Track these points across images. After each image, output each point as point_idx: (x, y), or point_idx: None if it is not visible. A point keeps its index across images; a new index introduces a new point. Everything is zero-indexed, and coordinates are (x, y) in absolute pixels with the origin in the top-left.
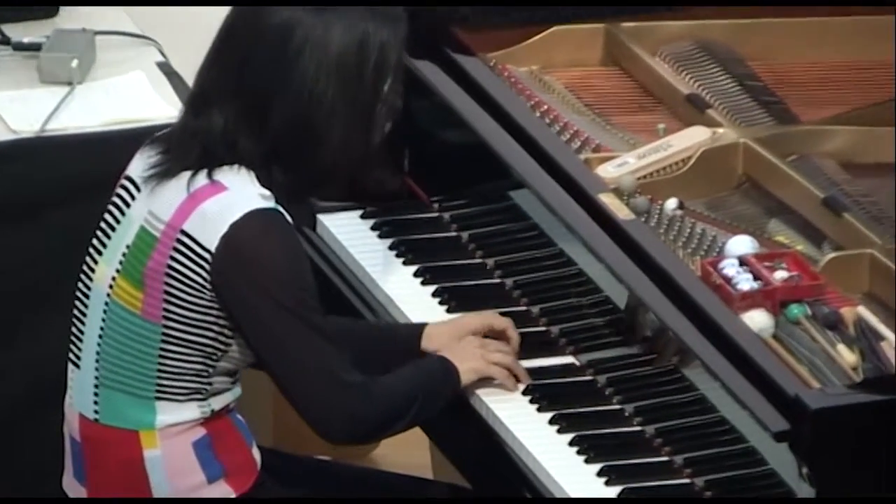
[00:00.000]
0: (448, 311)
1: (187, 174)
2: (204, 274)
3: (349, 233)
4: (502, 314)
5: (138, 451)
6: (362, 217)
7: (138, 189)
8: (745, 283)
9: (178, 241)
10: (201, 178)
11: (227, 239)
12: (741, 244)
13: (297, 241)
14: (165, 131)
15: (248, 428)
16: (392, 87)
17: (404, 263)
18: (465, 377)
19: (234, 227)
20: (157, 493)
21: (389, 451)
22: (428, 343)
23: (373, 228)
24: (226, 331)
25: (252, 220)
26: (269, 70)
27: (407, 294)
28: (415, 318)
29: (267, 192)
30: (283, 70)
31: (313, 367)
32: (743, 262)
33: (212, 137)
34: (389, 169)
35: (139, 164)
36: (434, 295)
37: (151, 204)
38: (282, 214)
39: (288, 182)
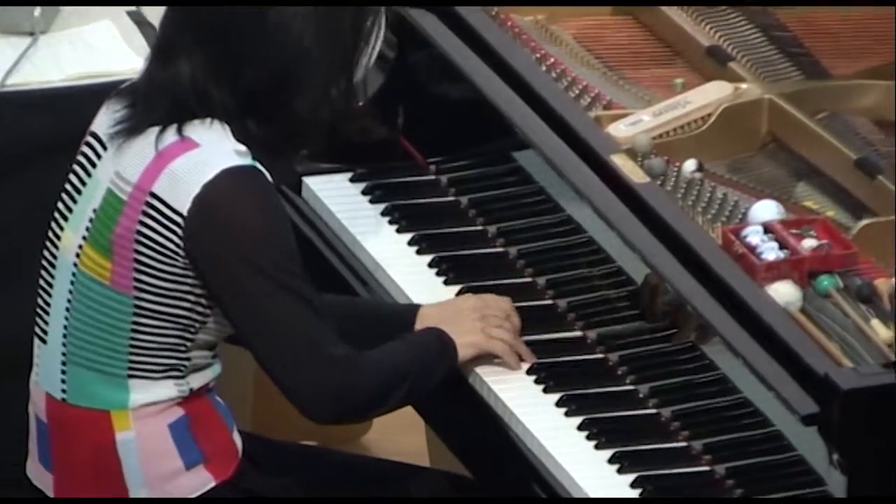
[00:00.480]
0: (446, 282)
1: (155, 130)
2: (176, 239)
3: (337, 197)
4: (505, 286)
5: (110, 434)
6: (352, 180)
7: (104, 147)
8: (771, 252)
9: (148, 204)
10: (170, 135)
11: (199, 200)
12: (766, 210)
13: (278, 200)
14: (131, 82)
15: (228, 410)
16: (374, 26)
17: (398, 231)
18: (464, 352)
19: (207, 187)
20: (131, 479)
21: (381, 436)
22: (422, 325)
23: (364, 192)
24: (202, 301)
25: (227, 179)
26: (241, 14)
27: (401, 264)
28: (409, 290)
29: (243, 148)
30: (256, 13)
31: (296, 338)
32: (768, 229)
33: (180, 89)
34: (377, 118)
35: (104, 120)
36: (430, 265)
37: (118, 164)
38: (260, 172)
39: (265, 135)
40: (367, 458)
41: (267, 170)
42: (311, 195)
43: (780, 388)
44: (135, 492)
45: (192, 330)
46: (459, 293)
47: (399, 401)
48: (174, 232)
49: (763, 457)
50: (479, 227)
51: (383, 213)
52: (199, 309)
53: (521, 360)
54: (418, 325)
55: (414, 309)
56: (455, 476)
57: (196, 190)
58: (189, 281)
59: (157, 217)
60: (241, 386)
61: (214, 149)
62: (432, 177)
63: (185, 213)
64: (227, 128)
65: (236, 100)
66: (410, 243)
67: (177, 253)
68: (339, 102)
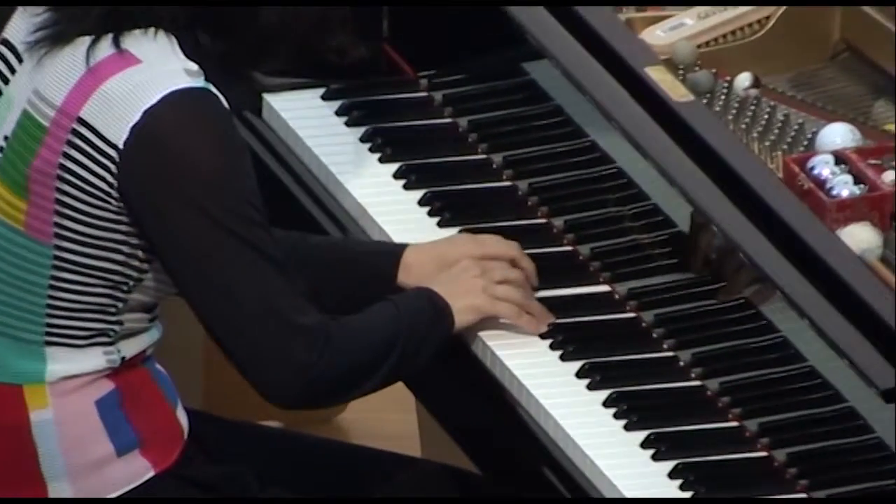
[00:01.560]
0: (440, 224)
1: (86, 41)
2: (108, 178)
3: (306, 119)
4: (514, 229)
5: (22, 413)
6: (325, 98)
7: (20, 59)
8: (843, 187)
9: (74, 132)
10: (105, 48)
11: (139, 130)
12: (838, 135)
13: (235, 132)
14: None
15: (171, 383)
16: None
17: (381, 160)
18: (462, 318)
19: (150, 114)
20: (48, 468)
21: (360, 416)
22: (406, 276)
23: (339, 113)
24: (138, 253)
25: (173, 105)
26: None
27: (384, 202)
28: (394, 233)
29: (193, 67)
30: None
31: (254, 302)
32: (840, 158)
33: None
34: (357, 33)
35: (21, 25)
36: (421, 203)
37: (38, 81)
38: (214, 96)
39: (220, 51)
40: (342, 443)
41: (222, 94)
42: (274, 116)
43: (854, 356)
44: (54, 483)
45: (125, 288)
46: None
47: (381, 381)
48: (106, 168)
49: (832, 440)
50: (482, 156)
51: (363, 139)
52: (134, 263)
53: (535, 320)
54: (402, 276)
55: (396, 253)
56: (452, 468)
57: (135, 117)
58: (122, 229)
59: (86, 149)
60: (188, 354)
61: (159, 67)
62: (423, 94)
63: (120, 145)
64: (175, 41)
65: (186, 8)
66: (396, 176)
67: (109, 194)
68: (311, 12)
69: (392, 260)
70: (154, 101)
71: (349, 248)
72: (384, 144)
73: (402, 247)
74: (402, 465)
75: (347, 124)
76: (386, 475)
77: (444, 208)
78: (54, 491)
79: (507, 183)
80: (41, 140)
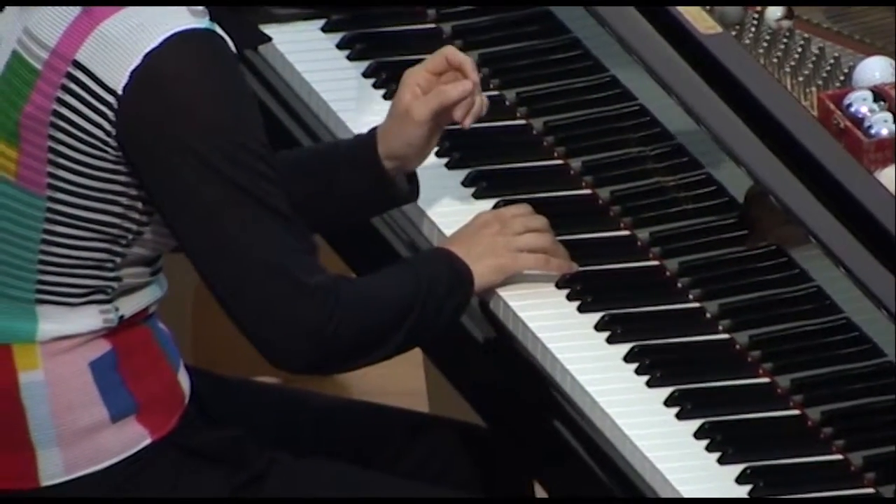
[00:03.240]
0: (448, 165)
1: None
2: (106, 125)
3: (305, 52)
4: (529, 171)
5: (11, 374)
6: (325, 29)
7: None
8: (882, 125)
9: (70, 77)
10: None
11: (140, 74)
12: (877, 69)
13: (242, 77)
14: None
15: (174, 343)
16: None
17: (385, 97)
18: (483, 280)
19: (151, 57)
20: (37, 434)
21: (365, 371)
22: (386, 145)
23: (340, 46)
24: (138, 205)
25: (176, 47)
26: None
27: None
28: None
29: (198, 7)
30: None
31: (258, 260)
32: (879, 95)
33: None
34: None
35: None
36: None
37: (28, 19)
38: (220, 39)
39: None
40: (345, 401)
41: (228, 35)
42: (270, 49)
43: (894, 308)
44: (43, 450)
45: (123, 242)
46: (467, 180)
47: (396, 347)
48: (104, 115)
49: (870, 397)
50: (495, 92)
51: (367, 75)
52: (133, 216)
53: (566, 263)
54: (381, 147)
55: (369, 134)
56: (462, 424)
57: (135, 60)
58: (121, 179)
59: (83, 94)
60: (176, 308)
61: (161, 6)
62: (431, 25)
63: (119, 90)
64: None
65: None
66: None
67: (106, 143)
68: None
69: (369, 141)
70: (156, 43)
71: (327, 155)
72: (389, 80)
73: (373, 129)
74: (409, 422)
75: (350, 58)
76: (393, 432)
77: (452, 148)
78: (43, 458)
79: (521, 121)
80: (33, 84)
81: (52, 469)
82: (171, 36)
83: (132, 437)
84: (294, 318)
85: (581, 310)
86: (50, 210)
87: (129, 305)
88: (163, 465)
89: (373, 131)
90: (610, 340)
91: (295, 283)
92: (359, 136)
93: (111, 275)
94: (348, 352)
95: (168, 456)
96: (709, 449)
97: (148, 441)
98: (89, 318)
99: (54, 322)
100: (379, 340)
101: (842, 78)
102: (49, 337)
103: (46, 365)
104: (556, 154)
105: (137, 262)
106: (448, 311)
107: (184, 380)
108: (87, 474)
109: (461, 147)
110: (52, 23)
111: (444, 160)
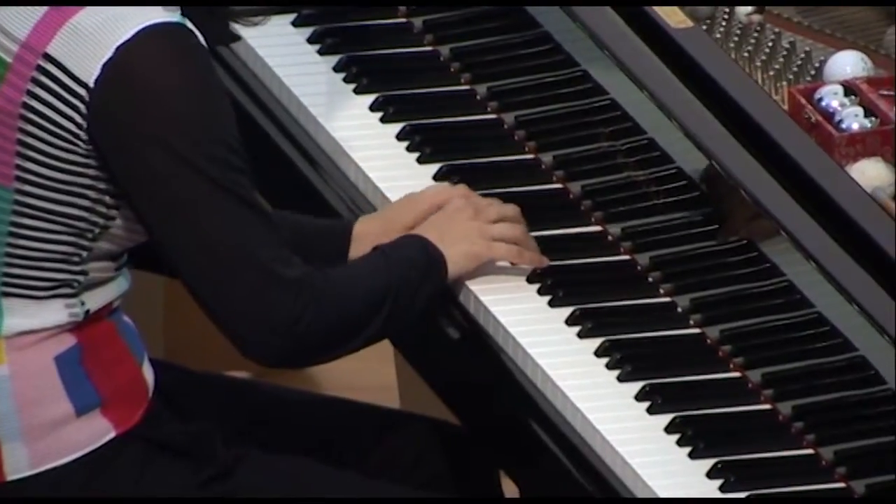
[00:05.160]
0: (419, 160)
1: None
2: (77, 118)
3: (276, 46)
4: (500, 165)
5: None
6: (295, 24)
7: None
8: (853, 119)
9: (40, 69)
10: None
11: (111, 68)
12: (847, 63)
13: (213, 71)
14: None
15: (138, 336)
16: None
17: (356, 91)
18: (456, 266)
19: (123, 50)
20: (2, 427)
21: (336, 366)
22: (357, 249)
23: (311, 41)
24: (105, 199)
25: (148, 41)
26: None
27: (360, 136)
28: (372, 170)
29: (173, 6)
30: None
31: (232, 252)
32: (850, 89)
33: None
34: None
35: None
36: (400, 137)
37: None
38: (191, 33)
39: None
40: (315, 396)
41: (199, 30)
42: (241, 45)
43: (865, 302)
44: (7, 444)
45: (90, 236)
46: (438, 174)
47: (370, 337)
48: (75, 108)
49: (841, 392)
50: (465, 87)
51: (337, 69)
52: (101, 209)
53: (538, 256)
54: (353, 251)
55: (346, 228)
56: (432, 419)
57: (107, 54)
58: (90, 173)
59: (53, 87)
60: (148, 301)
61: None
62: (402, 20)
63: (91, 83)
64: None
65: None
66: (373, 108)
67: (77, 136)
68: None
69: (343, 236)
70: (128, 35)
71: (300, 230)
72: (360, 74)
73: (351, 221)
74: (381, 418)
75: (320, 52)
76: (364, 428)
77: (423, 143)
78: (8, 452)
79: (492, 116)
80: (3, 77)
81: (17, 463)
82: (143, 29)
83: (97, 431)
84: (268, 311)
85: (552, 304)
86: (17, 202)
87: (95, 300)
88: (128, 458)
89: (349, 227)
90: (581, 335)
91: (269, 275)
92: (336, 230)
93: (77, 269)
94: (323, 343)
95: (133, 449)
96: (680, 443)
97: (113, 434)
98: (55, 313)
99: (20, 316)
100: (354, 331)
101: (812, 72)
102: (14, 331)
103: (11, 359)
104: (527, 148)
105: (103, 256)
106: (422, 298)
107: (148, 373)
108: (53, 468)
109: (432, 142)
110: (21, 17)
111: (416, 155)
